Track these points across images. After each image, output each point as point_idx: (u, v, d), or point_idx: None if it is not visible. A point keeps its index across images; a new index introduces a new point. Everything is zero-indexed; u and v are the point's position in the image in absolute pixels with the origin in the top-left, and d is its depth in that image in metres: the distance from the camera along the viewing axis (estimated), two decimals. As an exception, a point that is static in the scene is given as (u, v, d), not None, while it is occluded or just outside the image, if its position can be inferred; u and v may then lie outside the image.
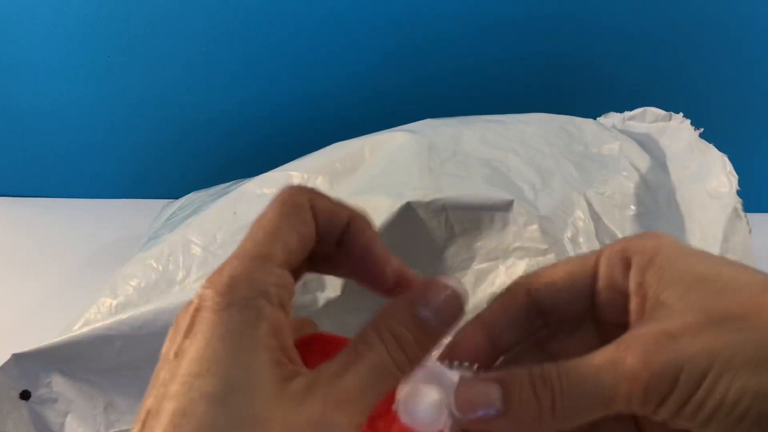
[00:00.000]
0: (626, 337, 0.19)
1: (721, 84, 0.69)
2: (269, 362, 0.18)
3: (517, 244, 0.43)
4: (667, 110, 0.55)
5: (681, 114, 0.53)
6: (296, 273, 0.21)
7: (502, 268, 0.43)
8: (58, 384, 0.42)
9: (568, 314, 0.23)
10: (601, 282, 0.22)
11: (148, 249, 0.48)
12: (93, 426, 0.43)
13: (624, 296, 0.22)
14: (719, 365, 0.17)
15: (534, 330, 0.23)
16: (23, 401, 0.41)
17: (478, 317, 0.23)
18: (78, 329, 0.41)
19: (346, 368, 0.19)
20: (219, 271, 0.20)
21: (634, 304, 0.21)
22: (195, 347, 0.18)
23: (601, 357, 0.19)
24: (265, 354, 0.18)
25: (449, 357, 0.22)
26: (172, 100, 0.70)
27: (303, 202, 0.21)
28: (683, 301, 0.19)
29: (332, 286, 0.42)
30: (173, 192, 0.67)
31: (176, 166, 0.75)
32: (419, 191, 0.43)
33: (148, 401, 0.18)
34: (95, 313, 0.43)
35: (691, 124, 0.52)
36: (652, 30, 0.66)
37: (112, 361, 0.41)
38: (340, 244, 0.22)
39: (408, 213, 0.42)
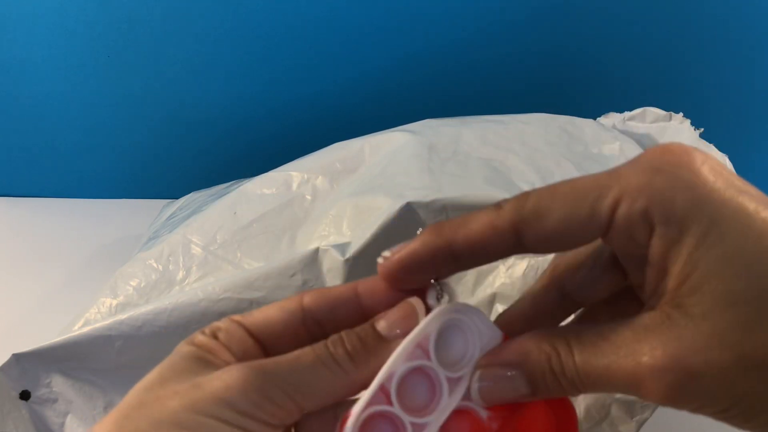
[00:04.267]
0: (634, 356, 0.17)
1: (721, 84, 0.69)
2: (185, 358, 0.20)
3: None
4: (667, 110, 0.55)
5: (681, 114, 0.53)
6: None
7: (502, 268, 0.43)
8: (58, 384, 0.42)
9: (592, 292, 0.22)
10: (613, 236, 0.18)
11: (148, 249, 0.48)
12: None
13: (639, 250, 0.18)
14: (740, 408, 0.17)
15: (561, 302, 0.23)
16: (23, 401, 0.41)
17: (446, 238, 0.20)
18: (78, 329, 0.41)
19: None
20: None
21: (651, 275, 0.19)
22: None
23: (618, 370, 0.18)
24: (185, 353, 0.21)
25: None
26: (172, 100, 0.70)
27: (293, 301, 0.22)
28: (707, 321, 0.16)
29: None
30: (173, 192, 0.67)
31: (176, 166, 0.75)
32: (419, 191, 0.43)
33: None
34: (95, 313, 0.43)
35: (691, 124, 0.52)
36: (652, 30, 0.66)
37: (112, 361, 0.41)
38: (365, 312, 0.22)
39: (408, 213, 0.42)
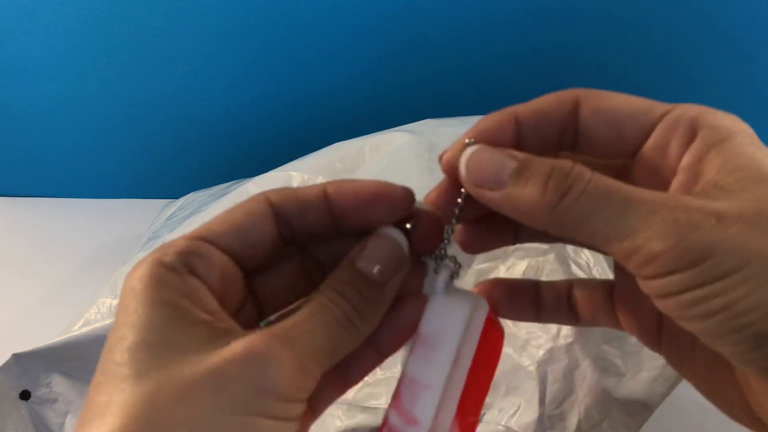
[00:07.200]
0: (675, 196, 0.17)
1: (721, 84, 0.69)
2: (184, 320, 0.18)
3: (517, 244, 0.43)
4: (667, 110, 0.55)
5: (681, 114, 0.53)
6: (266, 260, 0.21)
7: (502, 267, 0.43)
8: (58, 384, 0.42)
9: (605, 148, 0.21)
10: (652, 140, 0.20)
11: (148, 249, 0.48)
12: (93, 426, 0.42)
13: (669, 165, 0.19)
14: (752, 269, 0.16)
15: (563, 146, 0.21)
16: (23, 401, 0.41)
17: (512, 109, 0.22)
18: (78, 329, 0.41)
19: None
20: None
21: (680, 180, 0.19)
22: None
23: (640, 194, 0.17)
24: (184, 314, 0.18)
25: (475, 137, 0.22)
26: (173, 100, 0.70)
27: (258, 200, 0.21)
28: (745, 192, 0.17)
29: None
30: (173, 192, 0.67)
31: (176, 166, 0.75)
32: (419, 191, 0.43)
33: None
34: (95, 313, 0.43)
35: (691, 124, 0.52)
36: (653, 29, 0.66)
37: (112, 361, 0.41)
38: (336, 219, 0.21)
39: (408, 213, 0.42)
